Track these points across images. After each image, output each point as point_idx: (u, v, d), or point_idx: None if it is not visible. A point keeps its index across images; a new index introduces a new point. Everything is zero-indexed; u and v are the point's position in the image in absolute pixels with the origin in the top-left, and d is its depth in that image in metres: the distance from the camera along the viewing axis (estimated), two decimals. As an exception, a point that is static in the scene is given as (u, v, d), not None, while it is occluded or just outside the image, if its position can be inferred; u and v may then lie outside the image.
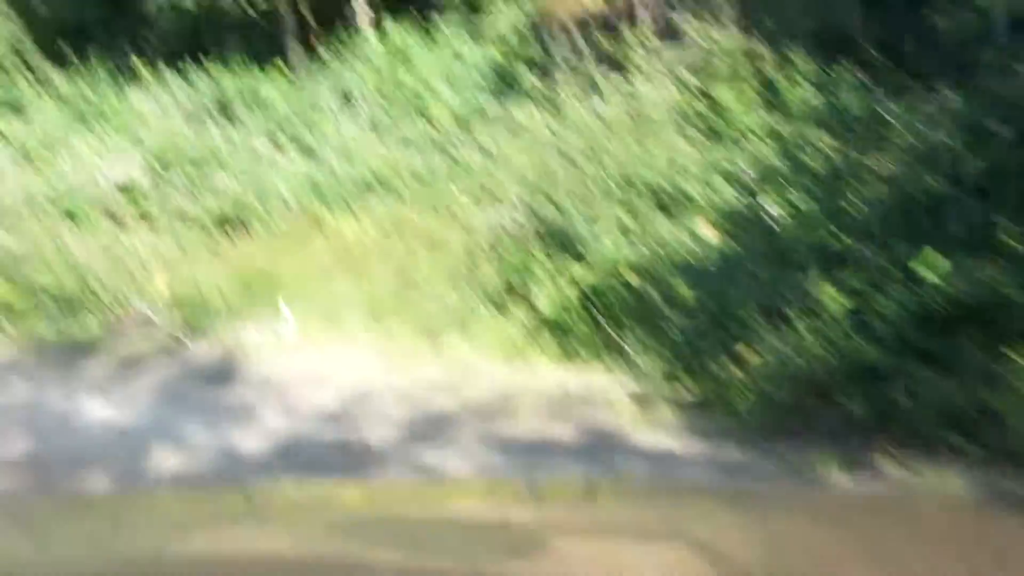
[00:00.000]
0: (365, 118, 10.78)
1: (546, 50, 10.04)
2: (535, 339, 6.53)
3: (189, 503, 1.89)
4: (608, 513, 1.72)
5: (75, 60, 12.40)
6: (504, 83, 10.33)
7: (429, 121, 10.40)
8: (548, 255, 6.72)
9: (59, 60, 12.48)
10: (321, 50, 12.23)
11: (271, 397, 6.71)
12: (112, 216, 9.69)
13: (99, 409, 6.90)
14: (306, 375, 6.94)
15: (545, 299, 6.52)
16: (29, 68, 12.27)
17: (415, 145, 10.09)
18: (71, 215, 9.73)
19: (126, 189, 9.92)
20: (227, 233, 9.45)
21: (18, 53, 12.43)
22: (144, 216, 9.72)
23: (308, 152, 10.48)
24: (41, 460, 6.06)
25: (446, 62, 11.19)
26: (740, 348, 5.33)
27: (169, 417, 6.61)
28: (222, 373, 7.33)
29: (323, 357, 7.28)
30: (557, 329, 6.43)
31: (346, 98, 11.20)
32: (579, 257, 6.53)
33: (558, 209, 6.87)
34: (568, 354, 6.31)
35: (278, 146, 10.69)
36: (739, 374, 5.29)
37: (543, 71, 9.27)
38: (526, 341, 6.57)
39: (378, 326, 7.50)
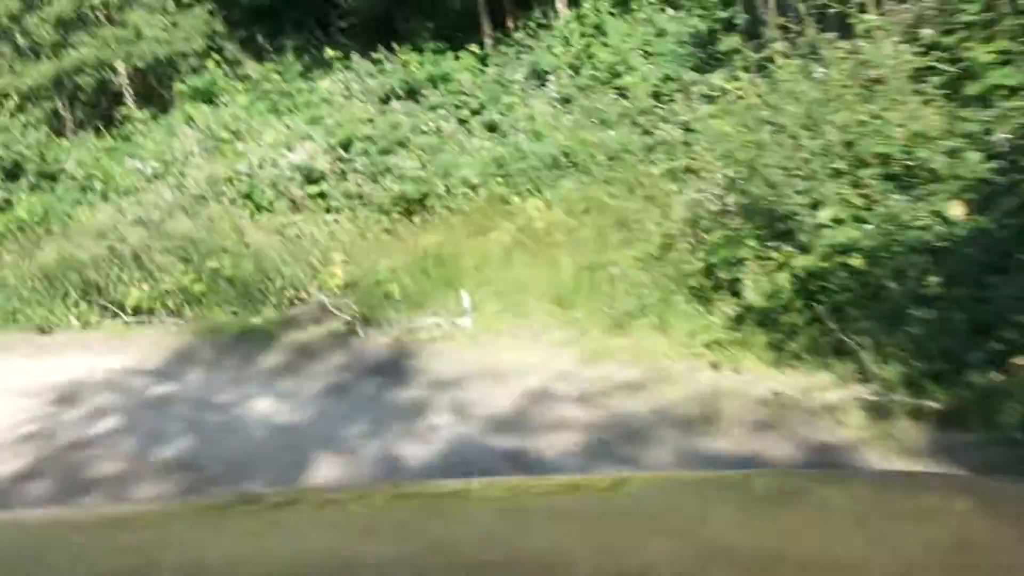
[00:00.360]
0: (556, 95, 9.97)
1: (753, 13, 8.97)
2: (742, 334, 5.51)
3: (343, 503, 1.76)
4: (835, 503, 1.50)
5: (266, 46, 12.14)
6: (706, 52, 9.32)
7: (624, 95, 9.52)
8: (758, 237, 5.69)
9: (251, 47, 12.25)
10: (514, 28, 11.54)
11: (444, 396, 5.97)
12: (292, 200, 9.24)
13: (266, 405, 6.35)
14: (484, 371, 6.17)
15: (754, 288, 5.50)
16: (222, 55, 12.04)
17: (608, 121, 9.21)
18: (252, 200, 9.33)
19: (307, 173, 9.45)
20: (407, 216, 8.83)
21: (212, 41, 12.23)
22: (324, 200, 9.21)
23: (495, 131, 9.78)
24: (200, 462, 5.53)
25: (643, 32, 10.28)
26: (1007, 350, 4.19)
27: (336, 416, 5.98)
28: (395, 367, 6.66)
29: (503, 351, 6.50)
30: (768, 323, 5.39)
31: (537, 75, 10.45)
32: (795, 240, 5.48)
33: (770, 185, 5.83)
34: (782, 353, 5.27)
35: (464, 126, 10.01)
36: (1006, 382, 4.16)
37: (750, 36, 8.19)
38: (732, 336, 5.56)
39: (564, 316, 6.67)
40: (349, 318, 7.55)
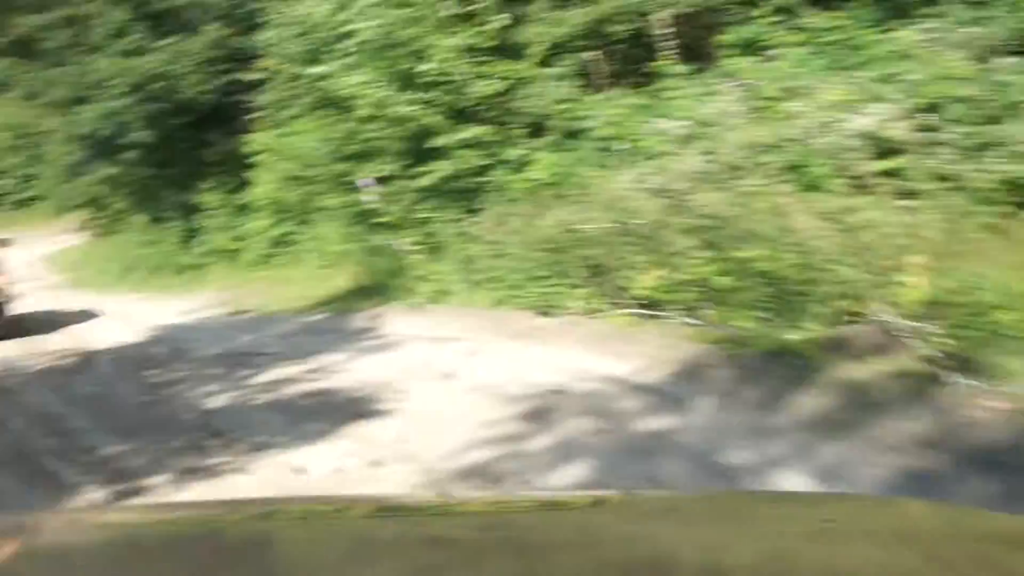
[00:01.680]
0: None
1: None
2: None
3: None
4: None
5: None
6: None
7: None
8: None
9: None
10: None
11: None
12: (854, 178, 6.59)
13: (801, 489, 3.90)
14: None
15: None
16: (774, 2, 9.53)
17: None
18: (800, 174, 6.83)
19: (877, 144, 6.74)
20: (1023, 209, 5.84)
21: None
22: (899, 180, 6.46)
23: None
24: None
25: None
26: None
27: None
28: (1019, 462, 3.86)
29: None
30: None
31: None
32: None
33: None
34: None
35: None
36: None
37: None
38: None
39: None
40: (931, 353, 4.84)
